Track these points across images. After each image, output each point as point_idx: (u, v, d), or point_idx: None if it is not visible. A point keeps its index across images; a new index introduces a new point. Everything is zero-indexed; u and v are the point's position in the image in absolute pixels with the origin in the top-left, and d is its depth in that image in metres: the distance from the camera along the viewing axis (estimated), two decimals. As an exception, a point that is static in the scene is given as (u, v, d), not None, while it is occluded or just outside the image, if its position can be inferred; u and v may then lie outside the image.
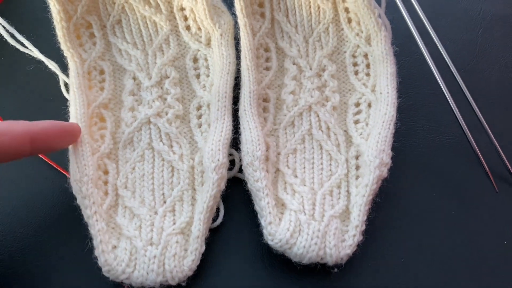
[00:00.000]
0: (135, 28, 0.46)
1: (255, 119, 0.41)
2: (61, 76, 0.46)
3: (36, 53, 0.46)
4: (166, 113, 0.43)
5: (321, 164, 0.41)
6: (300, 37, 0.47)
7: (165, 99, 0.44)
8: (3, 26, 0.46)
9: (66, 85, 0.46)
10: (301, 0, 0.48)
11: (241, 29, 0.46)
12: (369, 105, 0.44)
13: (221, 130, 0.40)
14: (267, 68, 0.46)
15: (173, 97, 0.44)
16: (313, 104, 0.44)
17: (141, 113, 0.43)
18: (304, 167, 0.41)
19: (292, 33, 0.47)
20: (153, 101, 0.43)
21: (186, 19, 0.47)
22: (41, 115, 0.44)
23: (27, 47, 0.46)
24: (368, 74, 0.46)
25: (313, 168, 0.41)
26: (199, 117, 0.44)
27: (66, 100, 0.45)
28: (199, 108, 0.44)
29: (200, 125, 0.43)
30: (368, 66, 0.46)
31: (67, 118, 0.42)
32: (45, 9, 0.44)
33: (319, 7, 0.48)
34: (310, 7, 0.48)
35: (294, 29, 0.47)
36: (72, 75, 0.43)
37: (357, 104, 0.44)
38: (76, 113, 0.41)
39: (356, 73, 0.46)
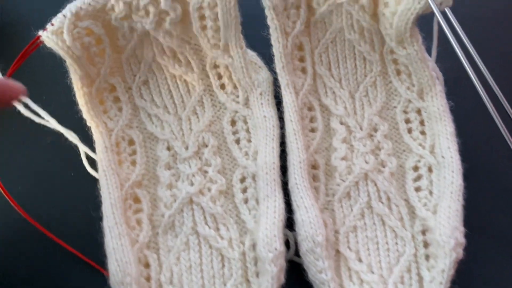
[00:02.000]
0: (164, 89, 0.41)
1: (309, 195, 0.37)
2: (83, 149, 0.40)
3: (53, 123, 0.41)
4: (209, 189, 0.38)
5: (386, 243, 0.37)
6: (346, 92, 0.43)
7: (206, 171, 0.39)
8: None
9: (88, 157, 0.41)
10: (345, 52, 0.43)
11: (283, 88, 0.41)
12: (430, 170, 0.40)
13: (273, 211, 0.36)
14: (313, 130, 0.42)
15: (215, 170, 0.39)
16: (369, 171, 0.39)
17: (181, 191, 0.38)
18: (368, 248, 0.37)
19: (337, 88, 0.43)
20: (193, 176, 0.39)
21: (220, 77, 0.42)
22: (62, 197, 0.39)
23: (43, 118, 0.41)
24: (423, 133, 0.42)
25: (378, 249, 0.37)
26: (244, 190, 0.39)
27: (89, 176, 0.40)
28: (243, 180, 0.39)
29: (246, 201, 0.38)
30: (422, 123, 0.42)
31: (98, 203, 0.37)
32: (63, 74, 0.39)
33: (364, 59, 0.43)
34: (355, 59, 0.44)
35: (339, 84, 0.43)
36: (99, 149, 0.38)
37: (416, 168, 0.40)
38: (109, 198, 0.35)
39: (410, 131, 0.42)
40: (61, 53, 0.36)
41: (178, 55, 0.40)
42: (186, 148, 0.40)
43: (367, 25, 0.42)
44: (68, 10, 0.36)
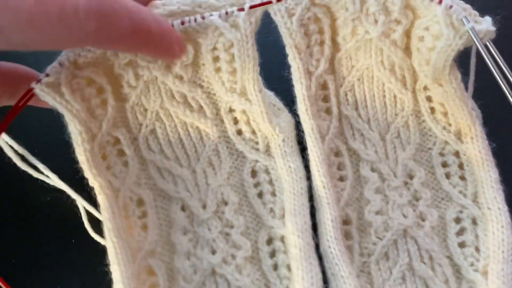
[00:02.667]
0: (174, 139, 0.36)
1: (345, 260, 0.33)
2: (84, 208, 0.36)
3: (54, 179, 0.36)
4: (233, 257, 0.33)
5: (433, 312, 0.33)
6: (375, 134, 0.39)
7: (228, 234, 0.34)
8: (11, 147, 0.36)
9: (90, 220, 0.36)
10: (373, 90, 0.39)
11: (307, 134, 0.36)
12: (474, 222, 0.36)
13: (311, 283, 0.31)
14: (341, 178, 0.37)
15: (238, 231, 0.34)
16: (408, 226, 0.35)
17: (202, 260, 0.33)
18: (414, 320, 0.33)
19: (365, 130, 0.39)
20: (214, 241, 0.34)
21: (236, 122, 0.37)
22: (61, 269, 0.35)
23: (42, 173, 0.36)
24: (463, 178, 0.37)
25: (424, 319, 0.33)
26: (272, 255, 0.34)
27: (93, 241, 0.35)
28: (269, 242, 0.35)
29: (275, 267, 0.34)
30: (461, 167, 0.38)
31: (103, 275, 0.32)
32: (60, 128, 0.34)
33: (395, 97, 0.39)
34: (384, 97, 0.39)
35: (367, 125, 0.39)
36: (105, 215, 0.32)
37: (458, 220, 0.36)
38: (122, 277, 0.30)
39: (448, 176, 0.38)
40: (59, 107, 0.31)
41: (189, 100, 0.36)
42: (204, 207, 0.35)
43: (398, 60, 0.38)
44: (66, 57, 0.31)
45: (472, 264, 0.34)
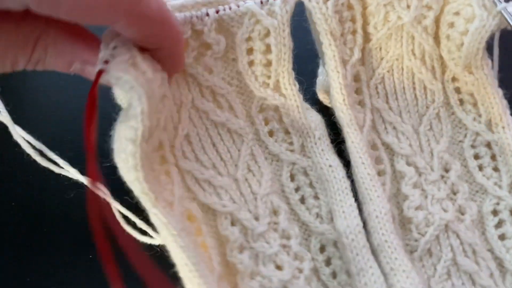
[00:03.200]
0: (207, 143, 0.33)
1: (405, 254, 0.31)
2: (116, 205, 0.33)
3: (74, 174, 0.33)
4: (300, 271, 0.31)
5: (482, 307, 0.32)
6: (408, 126, 0.37)
7: (288, 247, 0.31)
8: (29, 143, 0.32)
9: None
10: (403, 82, 0.38)
11: (345, 125, 0.35)
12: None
13: None
14: (379, 173, 0.36)
15: (297, 242, 0.32)
16: (449, 221, 0.34)
17: (271, 279, 0.29)
18: (463, 316, 0.32)
19: (398, 122, 0.37)
20: (276, 255, 0.30)
21: (267, 122, 0.35)
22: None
23: (62, 168, 0.33)
24: (496, 169, 0.37)
25: (473, 315, 0.32)
26: (328, 262, 0.32)
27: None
28: (322, 249, 0.32)
29: (334, 275, 0.32)
30: (493, 158, 0.37)
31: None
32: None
33: (425, 88, 0.38)
34: (414, 89, 0.38)
35: (399, 118, 0.38)
36: (172, 242, 0.26)
37: (495, 213, 0.36)
38: None
39: (481, 168, 0.37)
40: (134, 93, 0.24)
41: (218, 98, 0.33)
42: (257, 219, 0.32)
43: (429, 49, 0.37)
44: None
45: (514, 257, 0.34)
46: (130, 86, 0.24)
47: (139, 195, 0.25)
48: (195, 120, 0.32)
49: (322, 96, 0.43)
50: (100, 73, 0.25)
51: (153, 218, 0.26)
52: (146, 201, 0.26)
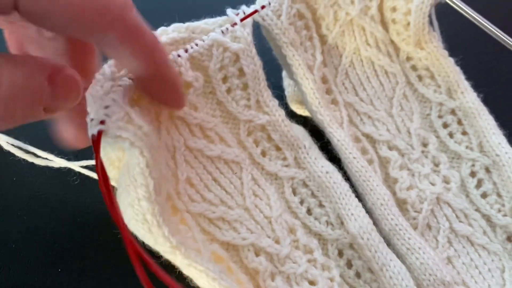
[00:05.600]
0: (209, 181, 0.32)
1: (416, 234, 0.33)
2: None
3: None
4: (332, 280, 0.32)
5: (485, 264, 0.35)
6: (382, 112, 0.39)
7: (313, 260, 0.32)
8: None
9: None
10: (366, 72, 0.40)
11: (327, 126, 0.36)
12: (488, 171, 0.38)
13: (401, 278, 0.31)
14: (368, 163, 0.37)
15: (319, 254, 0.33)
16: (439, 193, 0.37)
17: None
18: (472, 276, 0.35)
19: (372, 111, 0.39)
20: (306, 272, 0.31)
21: (257, 143, 0.35)
22: None
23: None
24: (465, 133, 0.40)
25: (480, 273, 0.35)
26: (349, 265, 0.33)
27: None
28: (341, 254, 0.34)
29: (358, 275, 0.33)
30: (459, 122, 0.40)
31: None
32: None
33: (387, 72, 0.40)
34: (377, 76, 0.40)
35: (372, 106, 0.39)
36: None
37: (473, 174, 0.39)
38: None
39: (451, 135, 0.40)
40: (134, 149, 0.24)
41: (207, 133, 0.33)
42: (278, 242, 0.32)
43: (380, 35, 0.39)
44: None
45: (499, 210, 0.37)
46: (130, 142, 0.24)
47: (167, 251, 0.25)
48: (191, 161, 0.32)
49: (295, 107, 0.44)
50: (100, 134, 0.24)
51: (188, 270, 0.26)
52: (177, 256, 0.25)
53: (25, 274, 0.36)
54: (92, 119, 0.24)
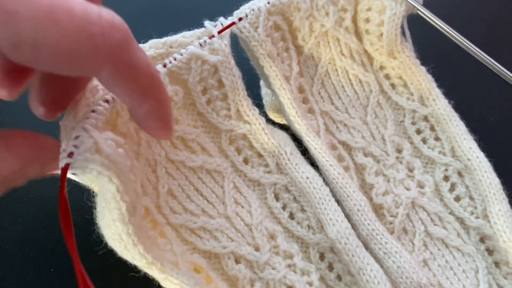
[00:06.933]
0: (191, 191, 0.33)
1: (392, 238, 0.34)
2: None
3: None
4: (311, 284, 0.33)
5: (459, 265, 0.36)
6: (357, 120, 0.40)
7: (292, 265, 0.33)
8: None
9: None
10: (341, 81, 0.41)
11: (304, 135, 0.37)
12: (460, 175, 0.40)
13: (377, 282, 0.31)
14: (344, 170, 0.38)
15: (299, 258, 0.33)
16: (414, 198, 0.38)
17: None
18: (447, 277, 0.36)
19: (347, 119, 0.40)
20: (285, 277, 0.32)
21: (239, 151, 0.36)
22: None
23: None
24: (437, 139, 0.41)
25: (455, 274, 0.36)
26: (331, 267, 0.34)
27: None
28: (322, 257, 0.34)
29: (339, 278, 0.34)
30: (432, 129, 0.41)
31: None
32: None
33: (361, 82, 0.41)
34: (352, 84, 0.41)
35: (347, 114, 0.40)
36: None
37: (446, 178, 0.40)
38: None
39: (425, 141, 0.41)
40: (102, 177, 0.24)
41: (189, 144, 0.33)
42: (257, 249, 0.32)
43: (354, 46, 0.41)
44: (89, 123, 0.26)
45: (472, 213, 0.38)
46: (97, 172, 0.24)
47: (144, 267, 0.26)
48: (173, 173, 0.32)
49: (273, 116, 0.44)
50: (66, 168, 0.24)
51: (165, 283, 0.26)
52: (154, 271, 0.26)
53: (18, 274, 0.36)
54: (63, 150, 0.24)
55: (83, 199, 0.39)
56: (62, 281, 0.36)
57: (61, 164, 0.24)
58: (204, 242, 0.31)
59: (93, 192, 0.27)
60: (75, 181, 0.39)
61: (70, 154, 0.24)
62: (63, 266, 0.37)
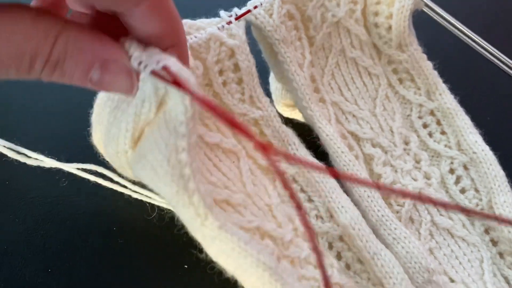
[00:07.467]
0: (210, 166, 0.33)
1: (402, 224, 0.35)
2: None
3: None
4: (331, 266, 0.33)
5: (464, 254, 0.37)
6: (366, 112, 0.41)
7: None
8: None
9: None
10: (350, 73, 0.41)
11: (316, 121, 0.38)
12: (466, 168, 0.40)
13: (392, 266, 0.32)
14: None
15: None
16: (421, 188, 0.39)
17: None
18: (453, 266, 0.36)
19: (356, 110, 0.41)
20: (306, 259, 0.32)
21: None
22: None
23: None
24: (443, 132, 0.42)
25: (461, 263, 0.37)
26: (339, 257, 0.34)
27: None
28: (330, 246, 0.34)
29: (348, 266, 0.34)
30: (438, 123, 0.42)
31: None
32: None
33: (370, 74, 0.42)
34: (361, 77, 0.42)
35: (356, 106, 0.41)
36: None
37: (452, 171, 0.41)
38: None
39: (431, 135, 0.42)
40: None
41: (205, 121, 0.33)
42: (280, 226, 0.32)
43: (365, 38, 0.41)
44: None
45: (477, 205, 0.39)
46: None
47: (201, 213, 0.25)
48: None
49: (282, 109, 0.45)
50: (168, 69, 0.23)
51: (213, 246, 0.26)
52: (208, 219, 0.26)
53: (16, 275, 0.36)
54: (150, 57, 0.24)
55: (79, 195, 0.40)
56: (61, 281, 0.36)
57: (160, 64, 0.23)
58: (230, 215, 0.30)
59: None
60: (70, 178, 0.39)
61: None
62: (62, 267, 0.36)
